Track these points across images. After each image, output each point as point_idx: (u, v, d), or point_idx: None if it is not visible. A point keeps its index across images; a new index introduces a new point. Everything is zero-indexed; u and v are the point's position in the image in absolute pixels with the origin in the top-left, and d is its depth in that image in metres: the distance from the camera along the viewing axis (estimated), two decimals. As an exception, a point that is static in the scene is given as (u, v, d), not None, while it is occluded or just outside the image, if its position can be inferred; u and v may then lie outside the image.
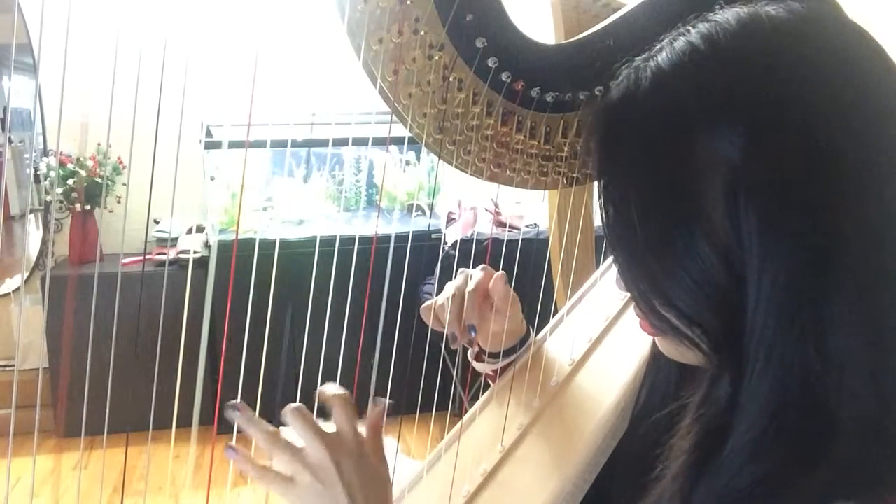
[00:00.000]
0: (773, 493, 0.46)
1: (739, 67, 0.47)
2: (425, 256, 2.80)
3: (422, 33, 0.74)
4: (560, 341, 0.93)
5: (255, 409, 0.65)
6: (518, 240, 2.45)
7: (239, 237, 2.32)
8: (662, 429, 0.62)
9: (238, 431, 0.64)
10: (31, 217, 3.10)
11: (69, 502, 2.40)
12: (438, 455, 0.82)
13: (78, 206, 2.81)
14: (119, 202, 2.88)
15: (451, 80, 0.77)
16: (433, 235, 2.88)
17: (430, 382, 1.00)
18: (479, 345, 0.91)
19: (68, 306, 2.50)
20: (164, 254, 2.84)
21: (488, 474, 0.78)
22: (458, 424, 0.84)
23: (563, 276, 1.10)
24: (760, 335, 0.46)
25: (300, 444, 0.63)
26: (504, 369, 0.90)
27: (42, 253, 3.11)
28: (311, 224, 2.95)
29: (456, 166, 0.82)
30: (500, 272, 0.87)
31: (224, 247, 2.62)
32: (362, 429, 0.65)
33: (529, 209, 2.76)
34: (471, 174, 0.83)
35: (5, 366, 3.03)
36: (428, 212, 3.07)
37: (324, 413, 0.67)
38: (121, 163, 2.86)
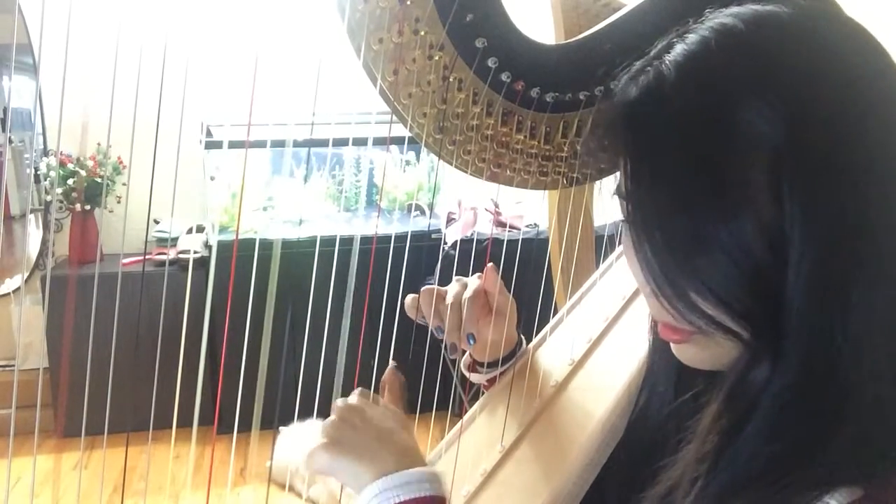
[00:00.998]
0: (787, 473, 0.46)
1: (769, 51, 0.48)
2: (425, 256, 2.80)
3: (422, 33, 0.74)
4: (560, 341, 0.93)
5: (255, 409, 0.65)
6: (518, 240, 2.45)
7: (239, 237, 2.32)
8: (666, 424, 0.62)
9: (238, 431, 0.64)
10: (31, 217, 3.10)
11: (69, 502, 2.40)
12: (438, 455, 0.82)
13: (78, 206, 2.81)
14: (119, 202, 2.88)
15: (451, 80, 0.77)
16: (433, 235, 2.88)
17: (430, 383, 1.00)
18: (472, 356, 0.91)
19: (68, 306, 2.50)
20: (164, 254, 2.84)
21: (488, 474, 0.78)
22: (458, 424, 0.84)
23: (563, 276, 1.10)
24: (797, 316, 0.47)
25: (297, 450, 0.64)
26: (499, 377, 0.90)
27: (42, 253, 3.11)
28: (311, 224, 2.95)
29: (456, 166, 0.82)
30: (490, 265, 0.87)
31: (224, 247, 2.62)
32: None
33: (529, 209, 2.76)
34: (471, 174, 0.83)
35: (5, 366, 3.03)
36: (428, 212, 3.07)
37: (325, 414, 0.67)
38: (121, 163, 2.86)
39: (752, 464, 0.48)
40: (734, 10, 0.51)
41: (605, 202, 0.59)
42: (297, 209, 2.99)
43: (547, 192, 0.97)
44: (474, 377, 0.92)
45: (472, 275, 0.88)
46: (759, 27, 0.49)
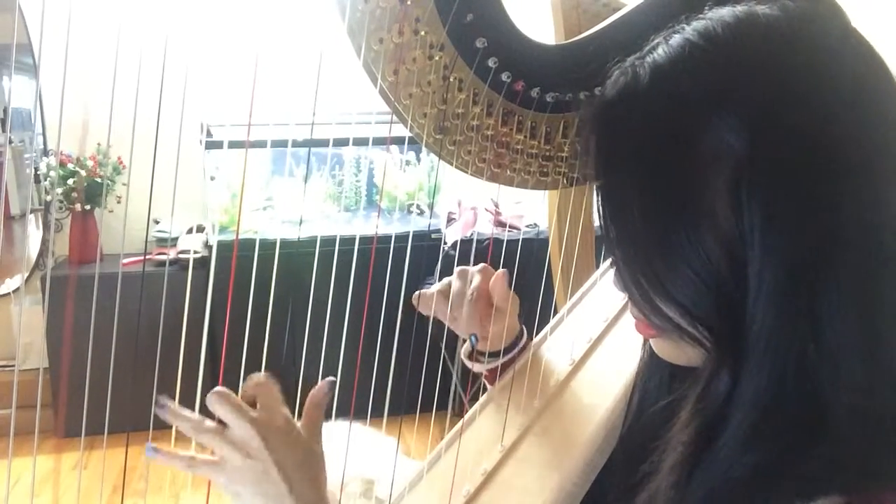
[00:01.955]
0: (765, 484, 0.46)
1: (740, 59, 0.48)
2: (425, 256, 2.80)
3: (422, 33, 0.74)
4: (560, 341, 0.93)
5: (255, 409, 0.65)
6: (518, 240, 2.45)
7: (239, 237, 2.32)
8: (658, 424, 0.62)
9: None
10: (31, 217, 3.09)
11: (69, 502, 2.40)
12: (438, 455, 0.82)
13: (78, 206, 2.80)
14: (119, 202, 2.88)
15: (451, 80, 0.77)
16: (433, 235, 2.88)
17: (430, 382, 1.00)
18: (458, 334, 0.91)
19: (68, 306, 2.50)
20: (164, 254, 2.84)
21: (488, 474, 0.78)
22: (458, 424, 0.84)
23: (563, 276, 1.10)
24: (760, 327, 0.46)
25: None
26: (500, 368, 0.90)
27: (42, 253, 3.11)
28: (311, 224, 2.95)
29: (456, 166, 0.82)
30: (501, 270, 0.87)
31: (224, 247, 2.62)
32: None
33: (529, 209, 2.76)
34: (471, 174, 0.83)
35: (5, 366, 3.03)
36: (428, 212, 3.07)
37: (329, 415, 0.67)
38: (121, 163, 2.85)
39: (729, 474, 0.48)
40: (720, 11, 0.50)
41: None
42: (296, 209, 2.99)
43: (547, 192, 0.97)
44: (476, 367, 0.92)
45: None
46: (735, 33, 0.48)
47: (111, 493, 2.42)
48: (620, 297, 0.94)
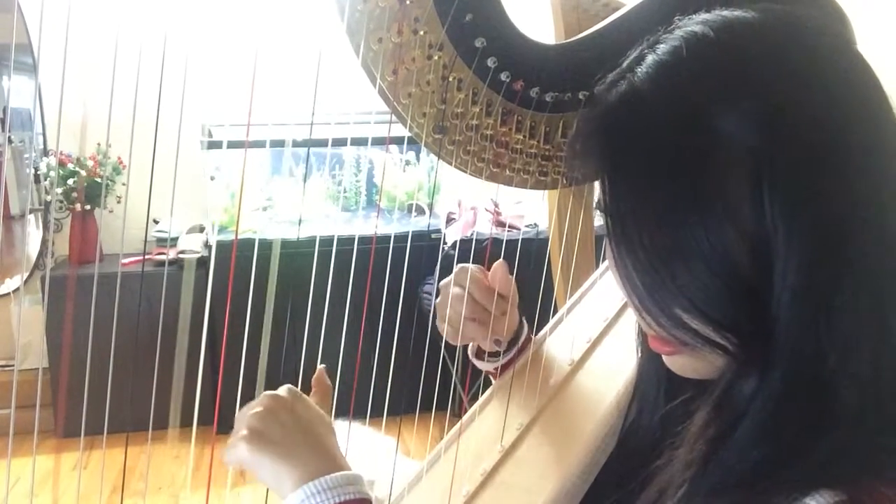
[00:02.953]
0: (770, 476, 0.46)
1: (743, 57, 0.48)
2: (425, 256, 2.80)
3: (421, 33, 0.74)
4: (560, 341, 0.93)
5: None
6: (518, 240, 2.45)
7: (239, 237, 2.32)
8: (662, 426, 0.62)
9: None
10: (31, 217, 3.09)
11: (69, 502, 2.40)
12: (438, 455, 0.82)
13: (78, 206, 2.81)
14: (119, 202, 2.88)
15: (450, 79, 0.77)
16: (433, 235, 2.88)
17: (429, 382, 1.00)
18: (479, 345, 0.91)
19: (68, 306, 2.50)
20: (164, 254, 2.84)
21: (488, 474, 0.78)
22: (458, 424, 0.84)
23: (563, 276, 1.10)
24: (783, 324, 0.46)
25: None
26: (505, 366, 0.90)
27: (42, 253, 3.11)
28: (311, 224, 2.95)
29: (455, 166, 0.82)
30: (499, 261, 0.87)
31: (224, 247, 2.63)
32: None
33: (529, 209, 2.76)
34: (470, 174, 0.83)
35: (5, 366, 3.03)
36: (428, 212, 3.07)
37: (329, 414, 0.67)
38: (121, 163, 2.86)
39: (737, 468, 0.48)
40: (702, 17, 0.51)
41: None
42: (296, 209, 2.99)
43: (547, 192, 0.97)
44: (480, 365, 0.93)
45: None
46: (729, 33, 0.49)
47: (111, 493, 2.42)
48: (620, 297, 0.94)
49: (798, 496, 0.44)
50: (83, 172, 2.76)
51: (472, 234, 2.73)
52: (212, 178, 2.89)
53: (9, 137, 2.85)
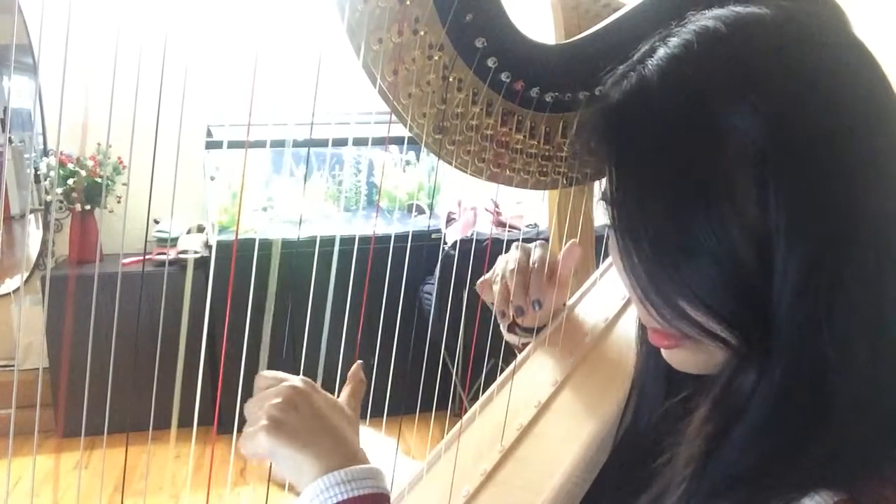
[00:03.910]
0: (769, 474, 0.46)
1: (750, 53, 0.48)
2: (425, 256, 2.81)
3: (421, 33, 0.74)
4: (559, 341, 0.93)
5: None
6: (518, 240, 2.45)
7: (239, 237, 2.32)
8: (661, 424, 0.62)
9: (238, 431, 0.64)
10: (31, 217, 3.10)
11: (69, 502, 2.40)
12: (438, 455, 0.82)
13: (78, 206, 2.81)
14: (119, 202, 2.88)
15: (450, 80, 0.77)
16: (433, 235, 2.88)
17: (430, 382, 1.00)
18: (516, 318, 0.91)
19: (68, 306, 2.50)
20: (164, 254, 2.84)
21: (488, 474, 0.78)
22: (458, 424, 0.84)
23: (563, 275, 1.10)
24: (783, 320, 0.46)
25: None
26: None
27: (42, 253, 3.12)
28: (311, 224, 2.95)
29: (456, 166, 0.82)
30: (573, 241, 0.89)
31: (224, 247, 2.63)
32: None
33: (529, 209, 2.76)
34: (471, 174, 0.83)
35: (5, 366, 3.03)
36: (428, 212, 3.08)
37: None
38: (121, 163, 2.86)
39: (736, 466, 0.48)
40: (715, 12, 0.51)
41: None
42: (296, 209, 2.99)
43: (547, 192, 0.97)
44: (511, 338, 0.94)
45: (471, 274, 0.88)
46: (741, 28, 0.49)
47: (111, 493, 2.42)
48: (620, 297, 0.94)
49: (797, 496, 0.44)
50: (83, 172, 2.77)
51: (472, 234, 2.73)
52: (212, 178, 2.89)
53: (9, 137, 2.85)
